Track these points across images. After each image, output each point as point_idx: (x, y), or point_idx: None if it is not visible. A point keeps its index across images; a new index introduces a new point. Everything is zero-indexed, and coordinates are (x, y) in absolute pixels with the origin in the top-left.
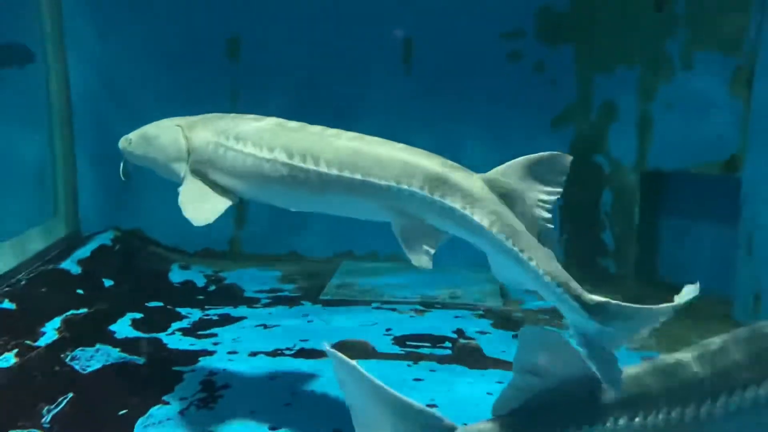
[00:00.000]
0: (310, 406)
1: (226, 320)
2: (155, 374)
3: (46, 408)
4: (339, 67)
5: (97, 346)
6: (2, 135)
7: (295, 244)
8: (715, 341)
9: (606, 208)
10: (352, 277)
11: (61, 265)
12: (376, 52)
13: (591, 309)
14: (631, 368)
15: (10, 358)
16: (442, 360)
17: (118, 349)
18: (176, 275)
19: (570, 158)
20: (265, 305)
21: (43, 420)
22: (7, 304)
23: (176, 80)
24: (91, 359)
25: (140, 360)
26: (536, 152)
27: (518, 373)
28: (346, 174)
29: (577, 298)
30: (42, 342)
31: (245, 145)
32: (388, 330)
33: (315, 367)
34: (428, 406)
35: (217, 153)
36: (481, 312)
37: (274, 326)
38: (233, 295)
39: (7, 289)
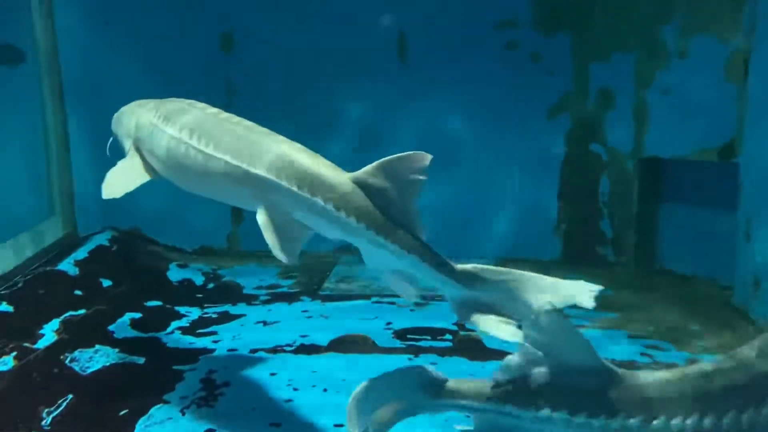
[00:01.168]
0: (311, 402)
1: (225, 318)
2: (155, 374)
3: (46, 410)
4: (333, 60)
5: (97, 346)
6: None
7: None
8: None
9: (604, 197)
10: (351, 271)
11: (58, 266)
12: (371, 44)
13: (460, 277)
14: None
15: (9, 361)
16: (443, 353)
17: (117, 350)
18: (174, 274)
19: (430, 157)
20: (264, 302)
21: (43, 422)
22: (5, 307)
23: (170, 76)
24: (90, 360)
25: (140, 360)
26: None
27: (523, 348)
28: (227, 158)
29: (447, 271)
30: (41, 344)
31: (166, 124)
32: (388, 324)
33: (315, 363)
34: None
35: (149, 132)
36: None
37: (274, 323)
38: (232, 293)
39: (4, 291)
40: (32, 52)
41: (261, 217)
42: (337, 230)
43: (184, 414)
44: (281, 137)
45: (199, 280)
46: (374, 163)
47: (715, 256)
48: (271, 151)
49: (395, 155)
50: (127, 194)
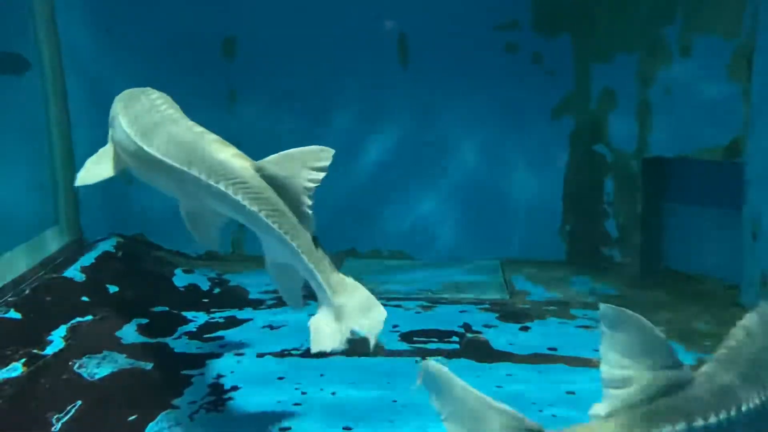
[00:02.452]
0: (320, 405)
1: (231, 322)
2: (163, 379)
3: (55, 416)
4: (335, 64)
5: (104, 352)
6: (2, 144)
7: None
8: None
9: (609, 197)
10: (356, 274)
11: (65, 273)
12: (372, 48)
13: (332, 281)
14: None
15: (18, 368)
16: (450, 355)
17: (125, 355)
18: (180, 279)
19: (332, 152)
20: (270, 306)
21: (53, 428)
22: (14, 314)
23: (173, 82)
24: (98, 366)
25: (148, 365)
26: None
27: (607, 364)
28: (151, 151)
29: (326, 277)
30: (49, 350)
31: (125, 119)
32: (394, 327)
33: (323, 366)
34: None
35: (118, 124)
36: (486, 306)
37: (281, 327)
38: (238, 297)
39: (12, 298)
40: (36, 61)
41: (181, 206)
42: (239, 215)
43: (192, 419)
44: (200, 129)
45: (205, 285)
46: (278, 154)
47: (721, 255)
48: (185, 142)
49: (299, 148)
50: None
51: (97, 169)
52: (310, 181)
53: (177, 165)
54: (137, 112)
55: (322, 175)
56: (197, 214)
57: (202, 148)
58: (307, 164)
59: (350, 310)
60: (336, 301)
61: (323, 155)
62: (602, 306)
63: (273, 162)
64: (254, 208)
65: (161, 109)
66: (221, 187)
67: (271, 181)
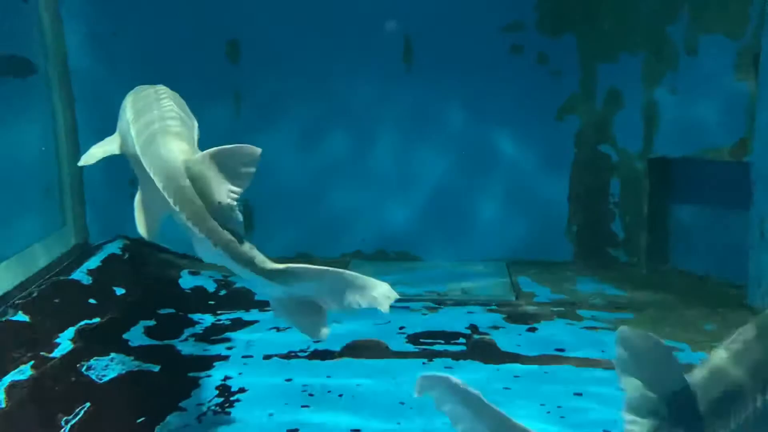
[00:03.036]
0: (327, 407)
1: (238, 324)
2: (171, 381)
3: (64, 418)
4: (339, 67)
5: (112, 355)
6: (9, 148)
7: (303, 245)
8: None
9: (615, 198)
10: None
11: (71, 276)
12: (376, 49)
13: (271, 275)
14: None
15: (26, 370)
16: (456, 356)
17: (132, 358)
18: (187, 281)
19: (259, 151)
20: None
21: (62, 430)
22: (21, 316)
23: (178, 85)
24: (106, 368)
25: (155, 367)
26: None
27: (630, 391)
28: (131, 137)
29: (259, 270)
30: (57, 353)
31: (129, 109)
32: (401, 328)
33: (330, 368)
34: None
35: (122, 112)
36: (493, 307)
37: (287, 328)
38: (244, 299)
39: (20, 300)
40: (43, 64)
41: (138, 193)
42: (169, 210)
43: (200, 421)
44: (174, 121)
45: (211, 287)
46: (207, 151)
47: (728, 255)
48: (150, 133)
49: (229, 146)
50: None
51: (100, 149)
52: (239, 181)
53: (138, 153)
54: (141, 105)
55: (249, 176)
56: (143, 203)
57: (156, 140)
58: (235, 164)
59: (323, 291)
60: (288, 291)
61: (250, 156)
62: (621, 329)
63: (200, 161)
64: (177, 207)
65: (161, 104)
66: (156, 180)
67: (197, 179)
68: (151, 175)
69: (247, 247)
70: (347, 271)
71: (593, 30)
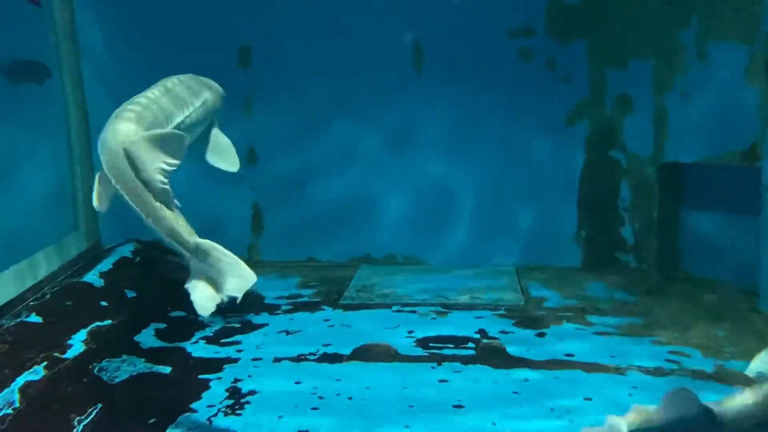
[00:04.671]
0: (337, 410)
1: (248, 327)
2: (181, 383)
3: (77, 419)
4: (349, 72)
5: (123, 356)
6: (23, 151)
7: (312, 249)
8: None
9: (624, 203)
10: (371, 280)
11: (84, 278)
12: (386, 54)
13: (191, 250)
14: None
15: (39, 371)
16: (466, 361)
17: (143, 359)
18: None
19: (185, 137)
20: (286, 311)
21: (75, 430)
22: (35, 318)
23: None
24: (118, 370)
25: (166, 369)
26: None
27: None
28: None
29: (182, 243)
30: (70, 354)
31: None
32: (410, 332)
33: (339, 372)
34: (454, 407)
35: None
36: (502, 311)
37: (297, 332)
38: (254, 303)
39: (33, 302)
40: (57, 69)
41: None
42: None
43: (211, 422)
44: (134, 107)
45: None
46: (142, 134)
47: (739, 261)
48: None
49: (161, 131)
50: None
51: None
52: (167, 163)
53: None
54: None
55: (178, 156)
56: (103, 179)
57: (112, 118)
58: (165, 147)
59: (217, 272)
60: (200, 266)
61: (178, 141)
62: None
63: (137, 143)
64: (115, 183)
65: (147, 91)
66: (102, 160)
67: (135, 160)
68: (100, 153)
69: (175, 220)
70: (235, 260)
71: (603, 35)
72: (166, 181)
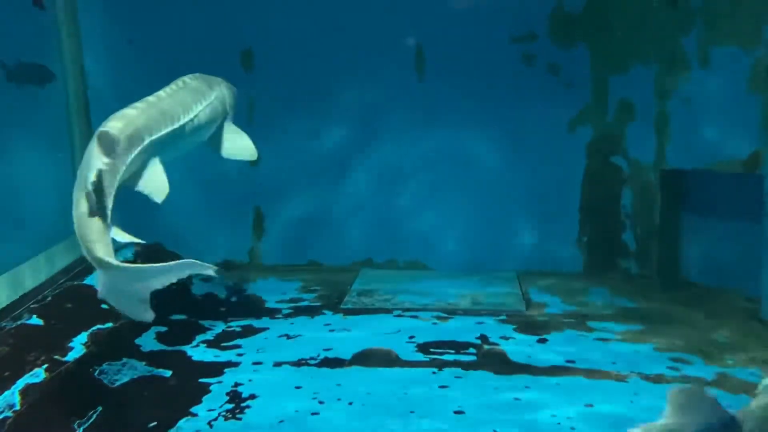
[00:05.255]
0: (338, 415)
1: (249, 331)
2: (182, 387)
3: (77, 422)
4: (352, 76)
5: (124, 360)
6: (26, 154)
7: (313, 253)
8: None
9: (626, 209)
10: (372, 285)
11: (85, 281)
12: (388, 59)
13: (103, 266)
14: None
15: (40, 373)
16: (467, 366)
17: (144, 363)
18: (198, 288)
19: (117, 135)
20: (287, 315)
21: None
22: (36, 320)
23: None
24: (118, 373)
25: (166, 373)
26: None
27: None
28: None
29: (95, 259)
30: (70, 357)
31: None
32: (411, 337)
33: (340, 376)
34: (455, 413)
35: None
36: (503, 317)
37: (297, 336)
38: (255, 306)
39: (34, 305)
40: (60, 72)
41: None
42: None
43: (211, 426)
44: (126, 111)
45: (222, 293)
46: (122, 137)
47: (741, 267)
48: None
49: (96, 134)
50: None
51: None
52: (115, 173)
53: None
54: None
55: (124, 160)
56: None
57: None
58: (107, 148)
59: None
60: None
61: (110, 138)
62: (672, 390)
63: (104, 136)
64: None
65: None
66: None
67: (90, 149)
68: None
69: (99, 237)
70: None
71: (606, 41)
72: (93, 180)
